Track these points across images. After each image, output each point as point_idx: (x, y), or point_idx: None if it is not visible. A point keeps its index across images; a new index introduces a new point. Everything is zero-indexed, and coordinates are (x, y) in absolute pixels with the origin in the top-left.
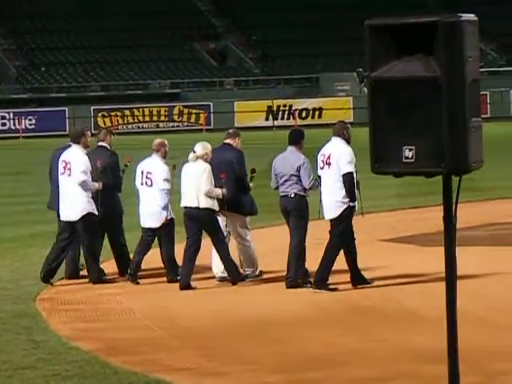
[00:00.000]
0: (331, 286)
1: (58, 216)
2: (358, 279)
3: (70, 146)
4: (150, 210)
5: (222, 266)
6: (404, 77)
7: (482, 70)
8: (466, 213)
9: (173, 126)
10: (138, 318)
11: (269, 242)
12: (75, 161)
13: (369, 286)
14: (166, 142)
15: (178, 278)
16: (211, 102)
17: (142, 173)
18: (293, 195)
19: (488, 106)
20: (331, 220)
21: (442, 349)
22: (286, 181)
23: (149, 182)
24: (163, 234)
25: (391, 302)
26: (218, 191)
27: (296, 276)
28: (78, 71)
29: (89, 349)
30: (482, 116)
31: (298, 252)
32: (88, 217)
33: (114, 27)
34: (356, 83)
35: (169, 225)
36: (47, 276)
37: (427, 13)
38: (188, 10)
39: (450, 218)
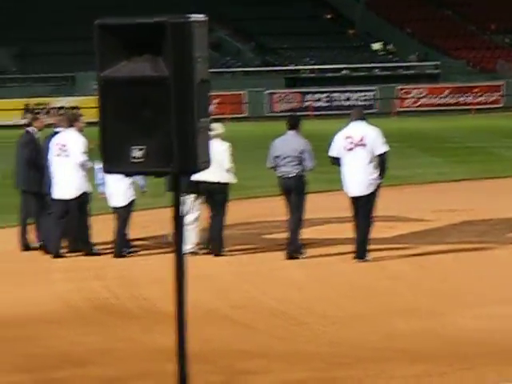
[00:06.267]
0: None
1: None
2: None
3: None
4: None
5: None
6: (132, 77)
7: (238, 69)
8: None
9: None
10: None
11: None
12: (74, 143)
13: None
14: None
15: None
16: None
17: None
18: (294, 174)
19: (245, 105)
20: (360, 197)
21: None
22: (289, 162)
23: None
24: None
25: (138, 301)
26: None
27: (297, 248)
28: None
29: None
30: (239, 115)
31: (298, 226)
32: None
33: None
34: None
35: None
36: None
37: (181, 13)
38: None
39: (179, 218)
